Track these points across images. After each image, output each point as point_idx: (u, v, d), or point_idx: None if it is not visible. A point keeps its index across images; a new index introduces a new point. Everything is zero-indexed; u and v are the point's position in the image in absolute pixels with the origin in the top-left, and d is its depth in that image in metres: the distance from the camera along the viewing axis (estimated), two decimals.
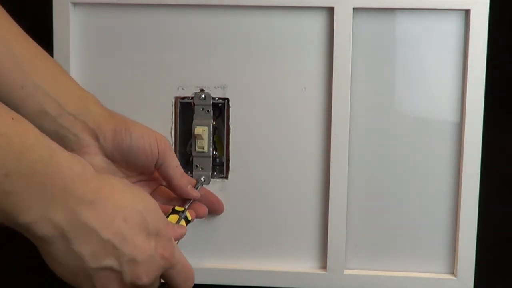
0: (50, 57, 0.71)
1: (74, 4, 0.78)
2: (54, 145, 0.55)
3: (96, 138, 0.69)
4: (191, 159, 0.80)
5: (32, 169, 0.52)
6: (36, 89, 0.67)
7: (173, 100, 0.79)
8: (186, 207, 0.72)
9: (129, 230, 0.58)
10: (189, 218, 0.72)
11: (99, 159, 0.69)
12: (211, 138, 0.79)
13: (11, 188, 0.51)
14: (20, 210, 0.53)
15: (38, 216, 0.54)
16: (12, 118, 0.52)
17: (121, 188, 0.60)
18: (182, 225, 0.70)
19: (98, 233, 0.56)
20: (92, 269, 0.57)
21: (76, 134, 0.68)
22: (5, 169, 0.51)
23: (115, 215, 0.58)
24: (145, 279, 0.60)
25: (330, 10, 0.76)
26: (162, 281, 0.65)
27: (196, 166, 0.80)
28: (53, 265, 0.57)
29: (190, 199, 0.73)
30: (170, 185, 0.73)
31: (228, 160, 0.79)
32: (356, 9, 0.75)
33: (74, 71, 0.78)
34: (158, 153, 0.71)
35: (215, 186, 0.80)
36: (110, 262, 0.58)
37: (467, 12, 0.75)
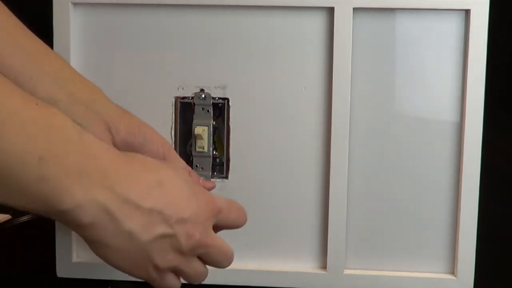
0: (53, 50, 0.71)
1: (74, 4, 0.78)
2: (79, 127, 0.54)
3: (109, 131, 0.68)
4: (191, 159, 0.80)
5: (65, 150, 0.51)
6: (45, 79, 0.66)
7: (173, 100, 0.79)
8: None
9: (168, 193, 0.58)
10: None
11: None
12: (211, 138, 0.79)
13: (47, 172, 0.50)
14: (61, 195, 0.51)
15: (81, 199, 0.52)
16: (36, 104, 0.51)
17: (147, 159, 0.60)
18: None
19: (140, 205, 0.55)
20: (146, 243, 0.56)
21: (89, 124, 0.67)
22: (37, 153, 0.49)
23: (150, 182, 0.57)
24: (197, 235, 0.59)
25: (330, 10, 0.76)
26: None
27: (196, 166, 0.80)
28: (106, 253, 0.56)
29: None
30: None
31: (228, 160, 0.79)
32: (356, 9, 0.75)
33: None
34: (164, 157, 0.70)
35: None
36: (160, 229, 0.57)
37: (467, 12, 0.75)
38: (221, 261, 0.63)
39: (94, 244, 0.56)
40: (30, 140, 0.49)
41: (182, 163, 0.72)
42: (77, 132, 0.53)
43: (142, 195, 0.56)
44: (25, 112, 0.50)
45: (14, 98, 0.50)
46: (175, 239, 0.58)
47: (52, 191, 0.51)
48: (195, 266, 0.61)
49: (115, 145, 0.68)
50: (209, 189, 0.70)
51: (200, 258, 0.61)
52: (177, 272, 0.60)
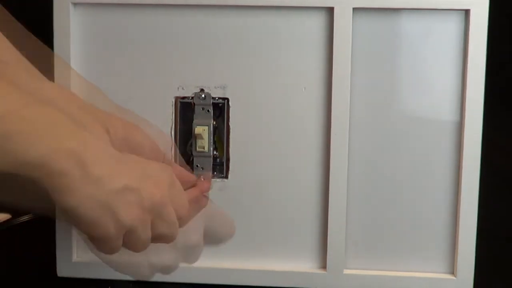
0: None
1: (74, 4, 0.78)
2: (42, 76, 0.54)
3: (107, 131, 0.68)
4: (191, 159, 0.80)
5: (26, 103, 0.50)
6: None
7: (173, 100, 0.79)
8: None
9: (138, 146, 0.60)
10: None
11: None
12: (212, 137, 0.79)
13: (7, 129, 0.49)
14: (24, 148, 0.49)
15: (48, 149, 0.50)
16: None
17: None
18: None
19: (109, 151, 0.55)
20: (112, 192, 0.54)
21: (86, 126, 0.66)
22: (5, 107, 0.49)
23: (115, 127, 0.58)
24: (158, 194, 0.58)
25: (330, 10, 0.76)
26: None
27: (197, 166, 0.80)
28: (69, 200, 0.53)
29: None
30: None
31: (228, 160, 0.80)
32: (355, 9, 0.76)
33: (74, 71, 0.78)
34: (165, 153, 0.69)
35: (215, 186, 0.80)
36: (126, 180, 0.55)
37: (467, 12, 0.75)
38: (169, 233, 0.61)
39: (60, 193, 0.53)
40: None
41: (182, 160, 0.72)
42: (41, 82, 0.54)
43: (106, 138, 0.57)
44: None
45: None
46: (139, 195, 0.56)
47: (13, 145, 0.49)
48: (147, 232, 0.59)
49: (113, 146, 0.68)
50: (205, 190, 0.69)
51: (152, 225, 0.60)
52: (130, 237, 0.58)
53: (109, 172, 0.54)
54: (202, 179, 0.69)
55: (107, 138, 0.63)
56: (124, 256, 0.60)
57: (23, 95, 0.51)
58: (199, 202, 0.68)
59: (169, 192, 0.60)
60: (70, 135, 0.52)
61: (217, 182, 0.80)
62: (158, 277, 0.80)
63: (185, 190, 0.65)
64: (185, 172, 0.69)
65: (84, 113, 0.64)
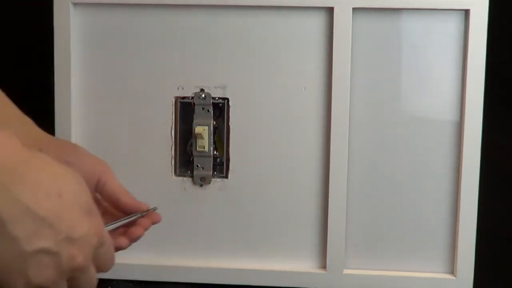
0: None
1: (74, 4, 0.78)
2: None
3: (40, 150, 0.61)
4: (191, 159, 0.80)
5: None
6: None
7: (173, 100, 0.79)
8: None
9: (65, 206, 0.54)
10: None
11: None
12: (212, 137, 0.79)
13: None
14: None
15: None
16: None
17: (51, 161, 0.56)
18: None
19: (32, 211, 0.52)
20: (27, 253, 0.52)
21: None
22: None
23: (50, 189, 0.53)
24: (80, 258, 0.56)
25: (330, 10, 0.76)
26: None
27: (197, 166, 0.80)
28: None
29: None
30: (117, 203, 0.68)
31: (228, 159, 0.80)
32: (355, 9, 0.76)
33: (74, 71, 0.78)
34: (101, 173, 0.67)
35: (215, 186, 0.80)
36: (45, 243, 0.53)
37: (466, 12, 0.75)
38: None
39: None
40: None
41: (117, 181, 0.68)
42: None
43: (38, 200, 0.52)
44: None
45: None
46: (58, 258, 0.54)
47: None
48: None
49: None
50: (155, 222, 0.67)
51: (69, 281, 0.57)
52: None
53: (27, 233, 0.52)
54: (152, 210, 0.67)
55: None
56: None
57: None
58: (137, 237, 0.66)
59: (96, 251, 0.58)
60: None
61: (217, 182, 0.80)
62: (158, 277, 0.80)
63: (129, 217, 0.65)
64: (132, 202, 0.67)
65: (19, 136, 0.59)
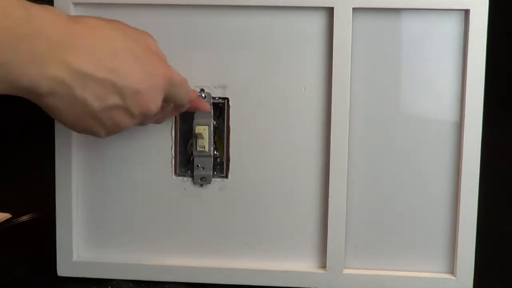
0: None
1: (75, 4, 0.78)
2: (25, 2, 0.56)
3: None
4: (192, 159, 0.80)
5: (17, 35, 0.54)
6: None
7: None
8: None
9: (122, 63, 0.60)
10: None
11: None
12: (212, 137, 0.79)
13: (2, 59, 0.53)
14: (17, 76, 0.55)
15: (36, 76, 0.55)
16: None
17: (98, 23, 0.61)
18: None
19: (93, 75, 0.58)
20: (98, 111, 0.60)
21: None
22: None
23: (103, 52, 0.59)
24: (152, 107, 0.63)
25: (330, 10, 0.76)
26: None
27: (197, 165, 0.80)
28: (62, 117, 0.60)
29: None
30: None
31: (228, 159, 0.80)
32: (355, 9, 0.76)
33: None
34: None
35: (215, 186, 0.80)
36: (113, 100, 0.60)
37: (466, 12, 0.76)
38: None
39: (52, 110, 0.60)
40: None
41: None
42: (24, 12, 0.55)
43: (95, 65, 0.58)
44: None
45: None
46: (128, 109, 0.62)
47: (11, 73, 0.54)
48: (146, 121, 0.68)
49: None
50: (205, 111, 0.76)
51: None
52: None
53: (94, 93, 0.59)
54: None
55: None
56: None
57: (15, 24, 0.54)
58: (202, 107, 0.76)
59: (169, 92, 0.66)
60: (51, 59, 0.56)
61: (217, 182, 0.80)
62: (158, 277, 0.80)
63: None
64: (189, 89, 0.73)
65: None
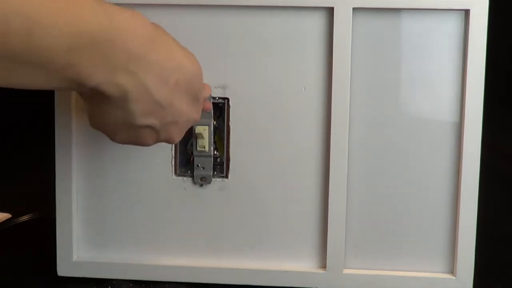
0: None
1: None
2: (110, 8, 0.56)
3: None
4: (192, 159, 0.80)
5: (94, 40, 0.54)
6: None
7: None
8: None
9: (178, 94, 0.64)
10: None
11: None
12: (212, 137, 0.79)
13: (75, 60, 0.54)
14: (86, 76, 0.55)
15: (104, 80, 0.57)
16: None
17: (177, 48, 0.64)
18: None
19: (152, 94, 0.61)
20: (137, 125, 0.63)
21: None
22: (66, 45, 0.52)
23: (170, 76, 0.62)
24: (177, 139, 0.68)
25: (330, 10, 0.76)
26: None
27: (198, 165, 0.80)
28: (101, 118, 0.62)
29: None
30: None
31: (228, 159, 0.80)
32: (355, 9, 0.76)
33: None
34: None
35: (215, 186, 0.80)
36: (154, 121, 0.63)
37: (466, 12, 0.75)
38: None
39: (94, 110, 0.62)
40: (61, 32, 0.52)
41: None
42: (107, 18, 0.55)
43: (158, 85, 0.61)
44: (55, 4, 0.52)
45: None
46: (158, 134, 0.65)
47: (79, 74, 0.55)
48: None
49: None
50: (207, 110, 0.77)
51: None
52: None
53: (142, 111, 0.61)
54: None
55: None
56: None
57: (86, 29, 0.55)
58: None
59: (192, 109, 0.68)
60: (122, 68, 0.57)
61: (217, 182, 0.80)
62: (158, 277, 0.80)
63: None
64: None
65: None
